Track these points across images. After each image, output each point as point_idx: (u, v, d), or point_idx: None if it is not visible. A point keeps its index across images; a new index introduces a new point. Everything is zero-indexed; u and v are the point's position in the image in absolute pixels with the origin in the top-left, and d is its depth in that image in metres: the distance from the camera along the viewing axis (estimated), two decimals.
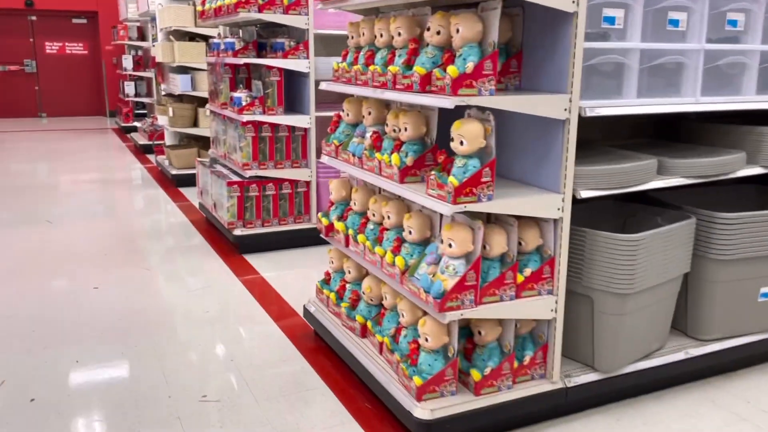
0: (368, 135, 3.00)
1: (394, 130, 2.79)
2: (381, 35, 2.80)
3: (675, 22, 2.60)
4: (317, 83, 4.89)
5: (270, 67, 4.78)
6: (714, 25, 2.68)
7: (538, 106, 2.34)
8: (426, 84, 2.38)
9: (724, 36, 2.73)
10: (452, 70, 2.22)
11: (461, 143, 2.28)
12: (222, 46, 5.18)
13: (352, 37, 3.15)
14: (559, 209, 2.46)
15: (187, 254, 5.03)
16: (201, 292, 4.21)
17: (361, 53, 2.99)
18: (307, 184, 5.07)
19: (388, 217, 2.83)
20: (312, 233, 5.11)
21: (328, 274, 3.54)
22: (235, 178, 4.96)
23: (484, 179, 2.30)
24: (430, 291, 2.41)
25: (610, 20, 2.47)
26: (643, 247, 2.54)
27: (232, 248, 5.07)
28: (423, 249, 2.68)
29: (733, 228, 2.77)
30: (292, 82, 5.02)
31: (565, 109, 2.38)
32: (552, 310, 2.56)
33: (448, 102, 2.18)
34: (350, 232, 3.10)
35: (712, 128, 3.06)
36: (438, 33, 2.41)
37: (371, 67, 2.75)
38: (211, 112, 5.85)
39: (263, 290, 4.24)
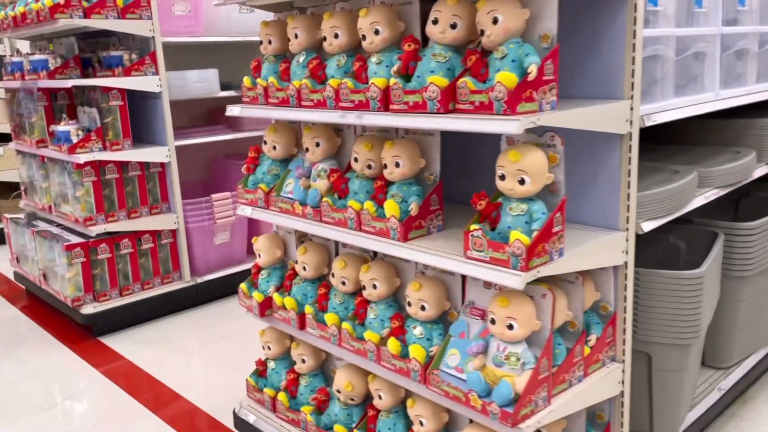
0: (320, 174, 2.16)
1: (369, 167, 1.99)
2: (336, 36, 1.98)
3: (699, 2, 2.13)
4: (172, 104, 3.84)
5: (108, 89, 3.63)
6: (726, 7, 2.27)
7: (596, 121, 1.71)
8: (449, 100, 1.64)
9: (732, 17, 2.34)
10: (508, 77, 1.50)
11: (522, 181, 1.58)
12: (27, 66, 3.89)
13: (270, 42, 2.27)
14: (624, 252, 1.86)
15: (15, 351, 3.69)
16: (52, 403, 3.01)
17: (297, 63, 2.14)
18: (174, 233, 3.99)
19: (374, 287, 2.03)
20: (187, 294, 4.05)
21: (261, 363, 2.61)
22: (75, 239, 3.73)
23: (555, 229, 1.62)
24: (489, 396, 1.68)
25: (653, 1, 1.92)
26: (706, 282, 2.04)
27: (82, 332, 3.83)
28: (442, 328, 1.93)
29: (755, 238, 2.40)
30: (138, 106, 3.91)
31: (627, 120, 1.78)
32: (619, 382, 1.95)
33: (515, 125, 1.46)
34: (308, 310, 2.24)
35: (703, 125, 2.68)
36: (453, 26, 1.68)
37: (332, 82, 1.93)
38: (19, 152, 4.46)
39: (141, 383, 3.15)
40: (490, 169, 2.05)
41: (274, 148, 2.34)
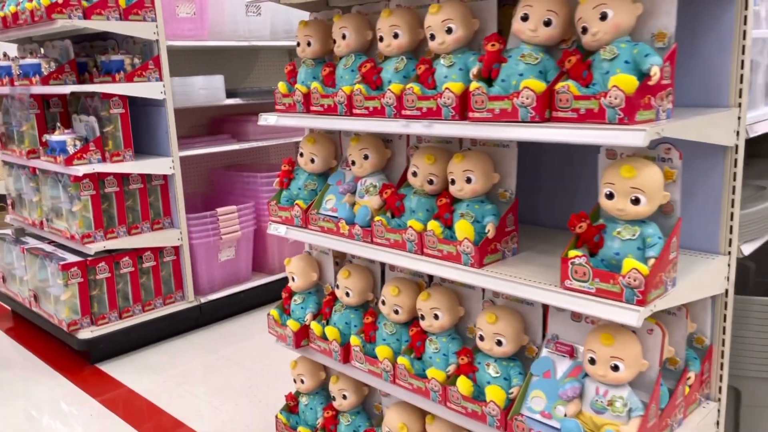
0: (369, 190, 1.93)
1: (431, 182, 1.77)
2: (395, 36, 1.75)
3: None
4: (177, 112, 3.58)
5: (108, 96, 3.36)
6: None
7: (710, 132, 1.51)
8: (545, 107, 1.42)
9: None
10: (626, 80, 1.29)
11: (636, 201, 1.36)
12: (17, 71, 3.60)
13: (309, 44, 2.04)
14: (726, 278, 1.66)
15: (0, 378, 3.38)
16: None
17: (345, 67, 1.91)
18: (176, 250, 3.71)
19: (436, 317, 1.80)
20: (191, 315, 3.77)
21: (292, 398, 2.36)
22: (71, 258, 3.44)
23: (671, 256, 1.41)
24: None
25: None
26: None
27: (78, 358, 3.52)
28: (520, 366, 1.70)
29: None
30: (138, 114, 3.64)
31: (734, 131, 1.58)
32: (715, 423, 1.75)
33: (640, 137, 1.25)
34: (354, 341, 1.99)
35: None
36: (548, 24, 1.46)
37: (393, 87, 1.70)
38: (5, 163, 4.15)
39: (144, 414, 2.87)
40: (569, 184, 1.84)
41: (312, 161, 2.11)
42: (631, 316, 1.33)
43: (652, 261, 1.35)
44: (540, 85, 1.41)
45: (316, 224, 2.03)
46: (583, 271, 1.40)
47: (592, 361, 1.47)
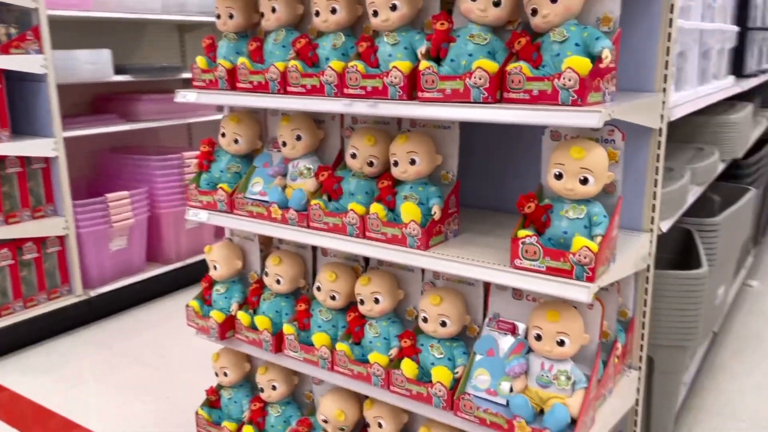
0: (303, 172, 1.86)
1: (371, 164, 1.73)
2: (333, 11, 1.69)
3: None
4: (59, 89, 3.26)
5: None
6: None
7: (643, 114, 1.59)
8: (497, 88, 1.42)
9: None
10: (581, 63, 1.32)
11: (584, 181, 1.41)
12: None
13: (231, 17, 1.92)
14: (649, 254, 1.77)
15: None
16: None
17: (275, 42, 1.82)
18: (61, 240, 3.40)
19: (376, 301, 1.77)
20: (80, 310, 3.48)
21: (213, 392, 2.24)
22: None
23: (614, 233, 1.48)
24: (536, 422, 1.50)
25: None
26: (707, 282, 2.01)
27: None
28: (464, 346, 1.71)
29: (719, 233, 2.44)
30: (16, 90, 3.27)
31: (659, 115, 1.68)
32: (636, 390, 1.86)
33: (595, 118, 1.29)
34: (288, 329, 1.92)
35: None
36: (497, 4, 1.46)
37: (334, 65, 1.64)
38: None
39: (34, 419, 2.62)
40: (498, 165, 1.87)
41: (236, 141, 1.99)
42: (582, 292, 1.37)
43: (599, 239, 1.40)
44: (493, 66, 1.41)
45: (244, 209, 1.92)
46: (533, 250, 1.43)
47: (539, 338, 1.51)
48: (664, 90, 1.67)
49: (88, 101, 4.02)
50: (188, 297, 3.99)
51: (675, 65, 1.85)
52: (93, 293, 3.52)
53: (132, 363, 3.13)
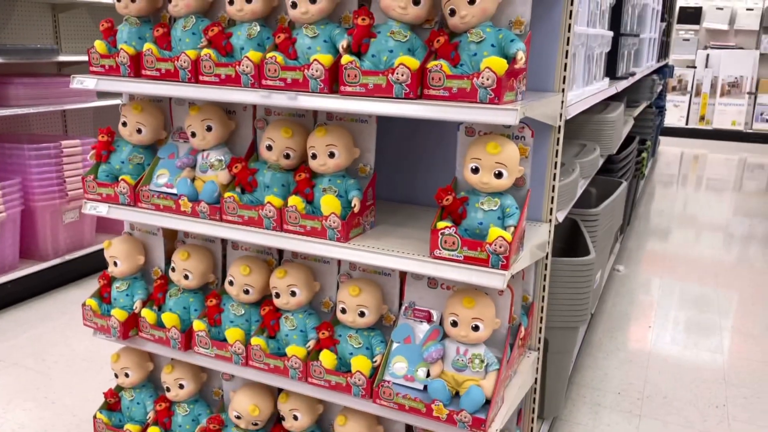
0: (214, 164, 1.82)
1: (287, 156, 1.73)
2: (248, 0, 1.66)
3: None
4: None
5: None
6: None
7: (547, 113, 1.70)
8: (418, 84, 1.47)
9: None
10: (498, 63, 1.39)
11: (499, 175, 1.49)
12: None
13: (133, 0, 1.83)
14: (548, 243, 1.90)
15: None
16: None
17: (184, 29, 1.76)
18: None
19: (293, 294, 1.77)
20: None
21: (112, 394, 2.12)
22: None
23: (524, 224, 1.58)
24: (453, 404, 1.58)
25: None
26: (594, 268, 2.19)
27: None
28: (381, 334, 1.75)
29: (599, 222, 2.66)
30: None
31: (559, 113, 1.81)
32: (535, 370, 2.00)
33: (512, 116, 1.37)
34: (198, 326, 1.87)
35: None
36: (416, 2, 1.51)
37: (252, 55, 1.61)
38: None
39: None
40: (408, 159, 1.93)
41: (139, 131, 1.90)
42: (498, 279, 1.46)
43: (512, 229, 1.50)
44: (415, 63, 1.46)
45: (149, 202, 1.84)
46: (452, 240, 1.50)
47: (455, 324, 1.59)
48: (563, 90, 1.80)
49: None
50: (69, 295, 3.78)
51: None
52: None
53: (9, 367, 2.89)
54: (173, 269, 1.92)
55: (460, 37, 1.50)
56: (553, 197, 1.87)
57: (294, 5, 1.60)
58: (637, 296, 3.89)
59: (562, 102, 1.80)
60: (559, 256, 2.14)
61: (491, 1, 1.46)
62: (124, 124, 1.91)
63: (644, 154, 4.46)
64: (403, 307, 1.76)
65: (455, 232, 1.49)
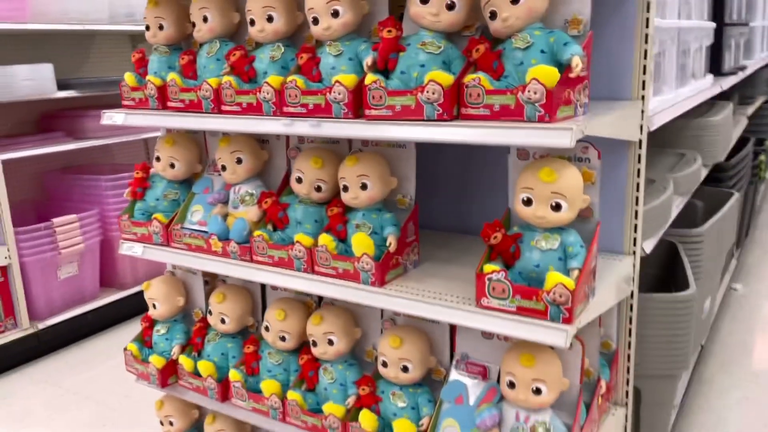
0: (245, 199, 1.66)
1: (318, 188, 1.54)
2: (269, 19, 1.49)
3: None
4: None
5: None
6: None
7: (621, 127, 1.41)
8: (453, 103, 1.24)
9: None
10: (547, 72, 1.13)
11: (557, 207, 1.23)
12: None
13: (161, 27, 1.71)
14: (632, 279, 1.59)
15: None
16: None
17: (208, 55, 1.62)
18: (4, 270, 3.15)
19: (330, 342, 1.58)
20: (27, 344, 3.23)
21: None
22: None
23: (592, 264, 1.29)
24: None
25: None
26: (694, 304, 1.84)
27: None
28: (428, 392, 1.52)
29: (704, 244, 2.28)
30: None
31: (639, 125, 1.50)
32: (623, 428, 1.69)
33: (566, 137, 1.10)
34: (234, 376, 1.71)
35: None
36: (451, 7, 1.28)
37: (272, 80, 1.44)
38: None
39: None
40: (466, 184, 1.70)
41: (172, 166, 1.79)
42: (559, 336, 1.19)
43: (575, 273, 1.22)
44: (447, 78, 1.23)
45: (181, 241, 1.72)
46: (501, 287, 1.25)
47: (512, 385, 1.33)
48: (643, 97, 1.50)
49: (34, 119, 3.78)
50: None
51: (653, 69, 1.68)
52: (41, 325, 3.27)
53: (84, 401, 2.90)
54: (210, 312, 1.78)
55: (503, 43, 1.26)
56: (636, 225, 1.56)
57: (315, 21, 1.41)
58: (759, 320, 3.39)
59: (643, 111, 1.49)
60: (655, 286, 1.82)
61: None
62: (158, 158, 1.80)
63: (762, 157, 3.92)
64: (455, 360, 1.51)
65: (505, 278, 1.24)
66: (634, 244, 1.58)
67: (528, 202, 1.24)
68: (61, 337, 3.40)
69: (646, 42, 1.46)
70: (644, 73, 1.48)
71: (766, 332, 3.25)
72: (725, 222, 2.52)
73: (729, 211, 2.54)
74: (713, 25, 2.53)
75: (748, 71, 3.32)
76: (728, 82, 2.73)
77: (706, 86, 2.44)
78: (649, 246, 1.65)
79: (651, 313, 1.76)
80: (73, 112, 3.69)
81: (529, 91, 1.14)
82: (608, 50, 1.50)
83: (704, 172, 2.38)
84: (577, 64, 1.15)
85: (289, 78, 1.41)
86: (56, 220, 3.28)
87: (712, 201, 2.70)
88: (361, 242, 1.43)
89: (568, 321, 1.19)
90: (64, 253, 3.31)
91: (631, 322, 1.63)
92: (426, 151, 1.69)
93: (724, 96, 3.10)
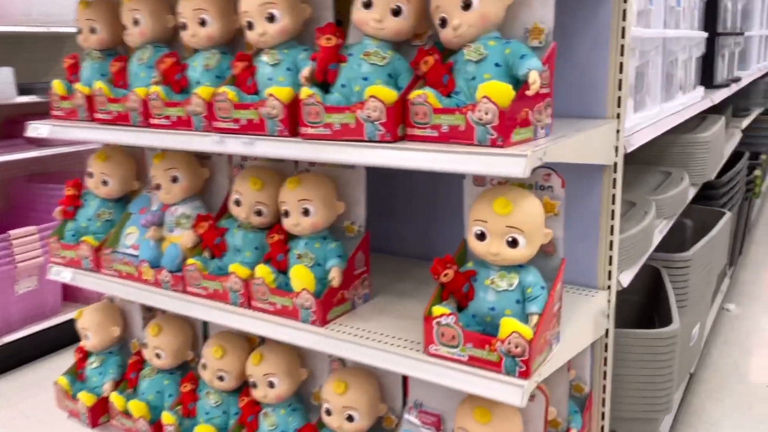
0: (180, 222, 1.50)
1: (259, 212, 1.38)
2: (202, 22, 1.33)
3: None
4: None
5: None
6: None
7: (589, 150, 1.25)
8: (398, 122, 1.08)
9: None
10: (499, 90, 0.98)
11: (513, 243, 1.07)
12: None
13: (93, 31, 1.55)
14: (606, 316, 1.43)
15: None
16: None
17: (140, 61, 1.46)
18: None
19: (271, 385, 1.42)
20: None
21: None
22: None
23: (555, 308, 1.14)
24: None
25: None
26: (678, 341, 1.69)
27: None
28: None
29: (691, 269, 2.12)
30: None
31: (614, 146, 1.35)
32: None
33: (520, 165, 0.94)
34: (167, 419, 1.55)
35: None
36: (396, 12, 1.12)
37: (201, 91, 1.28)
38: None
39: None
40: (427, 206, 1.54)
41: (105, 183, 1.63)
42: (514, 393, 1.03)
43: (535, 319, 1.06)
44: (389, 94, 1.07)
45: (112, 267, 1.55)
46: (452, 333, 1.09)
47: None
48: (619, 115, 1.34)
49: None
50: None
51: (632, 83, 1.52)
52: None
53: (36, 426, 2.72)
54: (145, 345, 1.62)
55: (455, 55, 1.10)
56: (611, 257, 1.40)
57: (250, 26, 1.25)
58: (753, 343, 3.23)
59: (618, 131, 1.34)
60: (637, 315, 1.67)
61: (494, 3, 1.05)
62: (90, 174, 1.64)
63: (757, 172, 3.77)
64: (407, 408, 1.35)
65: (455, 322, 1.08)
66: (609, 278, 1.42)
67: (481, 237, 1.09)
68: (20, 355, 3.22)
69: (622, 54, 1.31)
70: (620, 88, 1.32)
71: (761, 355, 3.10)
72: (715, 243, 2.36)
73: (720, 232, 2.38)
74: (704, 34, 2.38)
75: (743, 83, 3.17)
76: (720, 96, 2.58)
77: (695, 99, 2.28)
78: (626, 278, 1.49)
79: (629, 350, 1.60)
80: (36, 118, 3.52)
81: (479, 111, 0.99)
82: (580, 63, 1.35)
83: (692, 192, 2.22)
84: (535, 80, 0.99)
85: (220, 89, 1.25)
86: (13, 232, 3.11)
87: (702, 220, 2.55)
88: (300, 275, 1.27)
89: (524, 375, 1.03)
90: (21, 266, 3.14)
91: (606, 363, 1.47)
92: (381, 168, 1.54)
93: (716, 109, 2.95)
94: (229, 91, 1.24)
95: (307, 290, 1.25)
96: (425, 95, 1.05)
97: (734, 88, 2.89)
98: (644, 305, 2.08)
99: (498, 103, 0.97)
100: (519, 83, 1.02)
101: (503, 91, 0.98)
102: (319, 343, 1.24)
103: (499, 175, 0.98)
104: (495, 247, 1.07)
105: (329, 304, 1.27)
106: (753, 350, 3.16)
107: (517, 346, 1.03)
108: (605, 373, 1.47)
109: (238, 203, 1.39)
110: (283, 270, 1.33)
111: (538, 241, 1.09)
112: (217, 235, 1.43)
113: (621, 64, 1.32)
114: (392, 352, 1.16)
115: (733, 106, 3.71)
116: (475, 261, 1.15)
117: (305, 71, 1.18)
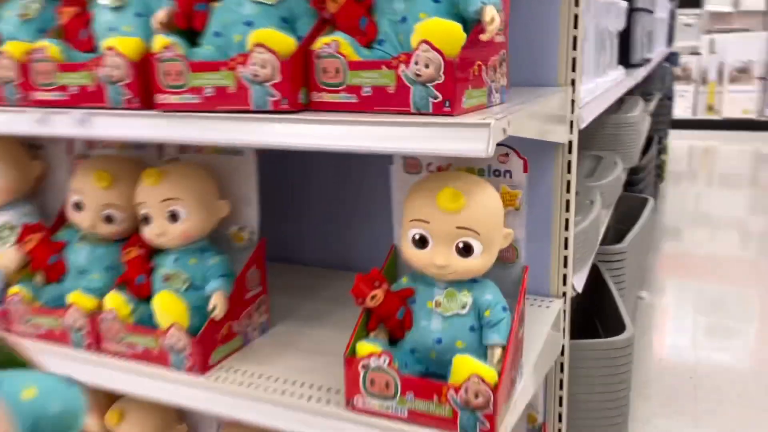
0: (2, 235, 1.10)
1: (109, 219, 1.00)
2: None
3: None
4: None
5: None
6: None
7: (536, 121, 0.98)
8: (299, 85, 0.75)
9: None
10: (445, 30, 0.67)
11: (466, 249, 0.77)
12: None
13: None
14: (563, 331, 1.17)
15: None
16: None
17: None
18: None
19: None
20: None
21: None
22: None
23: (520, 333, 0.85)
24: None
25: None
26: (632, 349, 1.47)
27: None
28: None
29: (626, 261, 1.93)
30: None
31: (567, 121, 1.08)
32: None
33: (483, 140, 0.64)
34: None
35: None
36: None
37: (12, 48, 0.89)
38: None
39: None
40: (351, 204, 1.23)
41: None
42: None
43: (498, 353, 0.77)
44: (285, 40, 0.74)
45: None
46: (384, 380, 0.77)
47: None
48: (573, 82, 1.07)
49: None
50: None
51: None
52: None
53: None
54: None
55: None
56: (566, 257, 1.14)
57: None
58: (671, 329, 3.15)
59: (573, 102, 1.07)
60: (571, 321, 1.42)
61: None
62: None
63: (664, 156, 3.74)
64: None
65: (389, 364, 0.77)
66: (564, 283, 1.16)
67: (422, 242, 0.78)
68: None
69: (577, 4, 1.04)
70: (574, 47, 1.06)
71: (680, 341, 3.02)
72: (644, 232, 2.20)
73: (648, 221, 2.23)
74: (626, 5, 2.21)
75: (651, 65, 3.08)
76: (639, 75, 2.43)
77: (619, 78, 2.10)
78: (579, 282, 1.24)
79: (581, 365, 1.36)
80: None
81: (416, 63, 0.68)
82: (523, 16, 1.07)
83: (624, 178, 2.04)
84: (492, 18, 0.70)
85: (38, 44, 0.87)
86: None
87: (625, 207, 2.39)
88: (168, 305, 0.91)
89: None
90: None
91: (561, 387, 1.21)
92: (282, 153, 1.20)
93: (630, 91, 2.81)
94: (50, 47, 0.86)
95: (178, 325, 0.89)
96: (336, 43, 0.73)
97: (648, 68, 2.77)
98: (577, 306, 1.87)
99: (443, 51, 0.67)
100: (468, 25, 0.72)
101: (450, 32, 0.67)
102: (196, 400, 0.89)
103: (452, 155, 0.67)
104: (441, 257, 0.77)
105: (211, 343, 0.92)
106: (671, 337, 3.08)
107: (477, 395, 0.73)
108: (561, 398, 1.21)
109: (78, 207, 1.01)
110: (145, 298, 0.97)
111: (496, 244, 0.80)
112: (52, 251, 1.04)
113: (576, 17, 1.05)
114: (302, 409, 0.83)
115: (641, 91, 3.65)
116: (412, 275, 0.84)
117: (160, 14, 0.82)
